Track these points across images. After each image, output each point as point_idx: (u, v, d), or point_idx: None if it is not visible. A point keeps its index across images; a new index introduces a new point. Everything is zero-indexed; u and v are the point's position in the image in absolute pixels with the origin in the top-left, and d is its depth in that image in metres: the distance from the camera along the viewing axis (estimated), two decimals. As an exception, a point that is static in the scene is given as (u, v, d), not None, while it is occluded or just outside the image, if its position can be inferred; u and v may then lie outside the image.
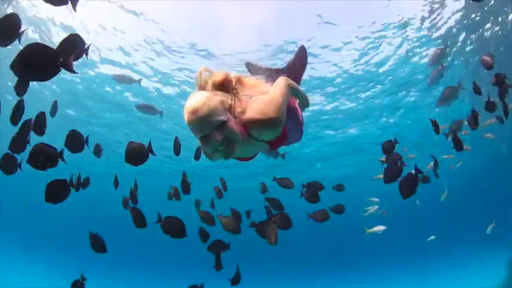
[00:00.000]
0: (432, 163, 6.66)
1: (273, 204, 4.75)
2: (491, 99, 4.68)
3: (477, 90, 4.89)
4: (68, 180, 3.24)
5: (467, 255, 26.67)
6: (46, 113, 3.63)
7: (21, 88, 3.15)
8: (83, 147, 3.81)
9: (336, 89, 10.56)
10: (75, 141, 3.75)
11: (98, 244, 4.13)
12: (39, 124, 3.50)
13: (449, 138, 4.89)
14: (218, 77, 2.06)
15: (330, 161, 16.22)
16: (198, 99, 1.81)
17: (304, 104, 2.73)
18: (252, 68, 3.31)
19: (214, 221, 4.66)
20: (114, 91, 10.60)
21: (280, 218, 4.00)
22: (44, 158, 3.00)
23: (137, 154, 3.45)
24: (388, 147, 4.52)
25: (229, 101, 1.93)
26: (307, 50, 3.27)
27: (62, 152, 3.15)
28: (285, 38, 8.39)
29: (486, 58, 4.89)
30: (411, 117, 12.29)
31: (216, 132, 1.80)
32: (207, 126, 1.78)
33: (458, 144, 4.49)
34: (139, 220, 3.77)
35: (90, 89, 10.46)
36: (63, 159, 3.16)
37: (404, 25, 7.86)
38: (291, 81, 2.31)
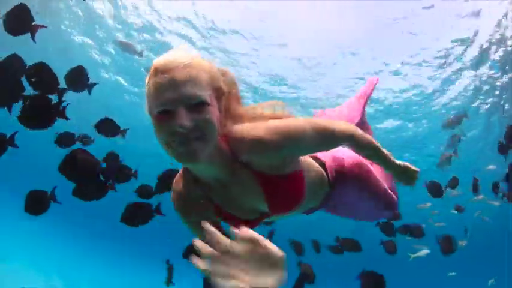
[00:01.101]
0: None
1: (346, 244, 4.74)
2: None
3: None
4: (49, 193, 3.27)
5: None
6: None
7: None
8: (84, 87, 3.72)
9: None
10: (77, 77, 3.66)
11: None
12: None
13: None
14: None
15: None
16: (182, 57, 1.17)
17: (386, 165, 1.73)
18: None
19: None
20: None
21: (371, 280, 4.00)
22: None
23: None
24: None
25: (222, 86, 1.28)
26: None
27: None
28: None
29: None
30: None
31: (186, 112, 1.13)
32: (179, 97, 1.13)
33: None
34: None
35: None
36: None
37: None
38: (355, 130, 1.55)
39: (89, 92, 3.89)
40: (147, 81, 1.21)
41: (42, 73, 3.21)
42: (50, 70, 3.25)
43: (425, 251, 7.71)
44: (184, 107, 1.14)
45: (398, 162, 1.76)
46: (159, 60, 1.18)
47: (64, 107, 3.26)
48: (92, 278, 15.65)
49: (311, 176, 1.60)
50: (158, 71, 1.15)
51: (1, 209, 15.33)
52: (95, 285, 15.30)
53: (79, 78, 3.71)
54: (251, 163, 1.37)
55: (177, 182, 1.51)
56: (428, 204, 7.56)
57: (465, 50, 9.06)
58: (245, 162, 1.36)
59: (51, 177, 3.61)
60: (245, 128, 1.32)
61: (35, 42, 3.27)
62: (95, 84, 3.92)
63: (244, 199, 1.46)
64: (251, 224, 1.55)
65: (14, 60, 3.14)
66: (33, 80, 3.12)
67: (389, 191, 1.92)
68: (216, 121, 1.20)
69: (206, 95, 1.17)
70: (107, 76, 11.44)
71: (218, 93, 1.25)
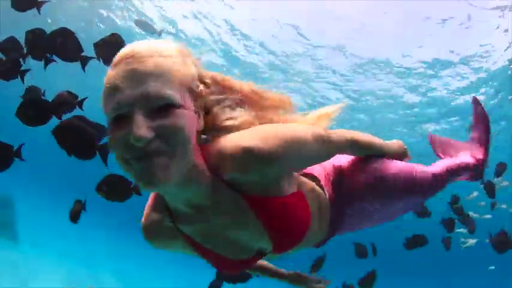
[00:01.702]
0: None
1: (415, 241, 4.71)
2: None
3: None
4: (82, 201, 3.34)
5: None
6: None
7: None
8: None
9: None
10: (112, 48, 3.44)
11: None
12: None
13: None
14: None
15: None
16: (154, 45, 0.87)
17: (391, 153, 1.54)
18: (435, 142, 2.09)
19: None
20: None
21: None
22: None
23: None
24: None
25: (202, 87, 0.96)
26: None
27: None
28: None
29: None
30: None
31: (145, 119, 0.80)
32: (137, 97, 0.80)
33: None
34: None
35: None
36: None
37: None
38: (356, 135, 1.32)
39: None
40: (107, 78, 0.86)
41: (64, 38, 2.95)
42: (72, 35, 3.00)
43: (473, 240, 7.65)
44: (143, 111, 0.80)
45: (394, 145, 1.54)
46: (123, 49, 0.87)
47: (81, 101, 2.96)
48: (117, 272, 15.83)
49: (310, 196, 1.22)
50: (118, 62, 0.84)
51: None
52: (118, 279, 15.43)
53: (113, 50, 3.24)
54: (239, 183, 0.99)
55: (148, 210, 1.16)
56: (475, 193, 7.21)
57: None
58: (230, 183, 0.99)
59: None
60: (228, 137, 0.96)
61: (40, 14, 3.22)
62: None
63: (232, 232, 1.09)
64: (240, 265, 1.21)
65: (38, 31, 2.98)
66: (56, 42, 2.91)
67: (418, 173, 1.48)
68: (189, 129, 0.85)
69: (176, 94, 0.83)
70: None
71: (198, 92, 0.93)
